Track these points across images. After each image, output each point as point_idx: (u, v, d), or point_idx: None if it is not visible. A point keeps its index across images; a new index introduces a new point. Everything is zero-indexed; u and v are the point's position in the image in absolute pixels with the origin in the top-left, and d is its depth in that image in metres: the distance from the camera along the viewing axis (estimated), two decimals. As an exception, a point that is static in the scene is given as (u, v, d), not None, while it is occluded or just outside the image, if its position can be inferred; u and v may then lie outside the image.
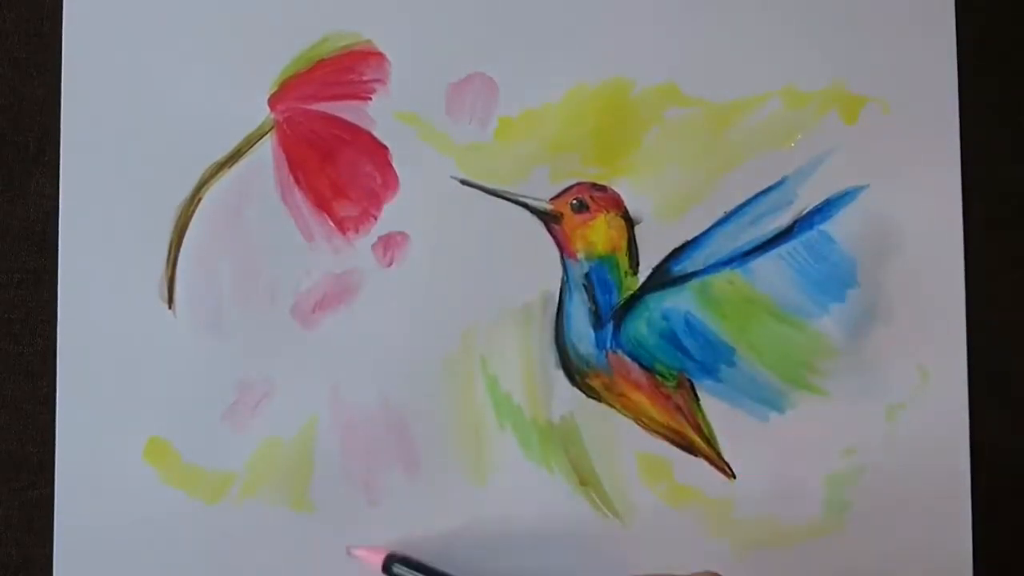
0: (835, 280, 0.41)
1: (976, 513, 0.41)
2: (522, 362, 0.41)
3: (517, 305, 0.41)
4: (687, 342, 0.41)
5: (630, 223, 0.41)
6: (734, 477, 0.41)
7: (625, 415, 0.41)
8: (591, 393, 0.41)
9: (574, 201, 0.41)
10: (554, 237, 0.41)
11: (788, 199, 0.41)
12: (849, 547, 0.41)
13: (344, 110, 0.41)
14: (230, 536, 0.41)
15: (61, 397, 0.41)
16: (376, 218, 0.41)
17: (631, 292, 0.41)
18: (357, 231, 0.41)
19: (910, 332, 0.41)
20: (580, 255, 0.41)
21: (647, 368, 0.41)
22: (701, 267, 0.41)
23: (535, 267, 0.41)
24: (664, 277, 0.41)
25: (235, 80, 0.41)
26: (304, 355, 0.41)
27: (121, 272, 0.41)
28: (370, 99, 0.41)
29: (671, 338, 0.41)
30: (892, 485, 0.41)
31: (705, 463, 0.41)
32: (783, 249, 0.41)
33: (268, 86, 0.41)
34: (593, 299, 0.41)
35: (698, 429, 0.41)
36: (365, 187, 0.41)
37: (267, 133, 0.41)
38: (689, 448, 0.41)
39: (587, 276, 0.41)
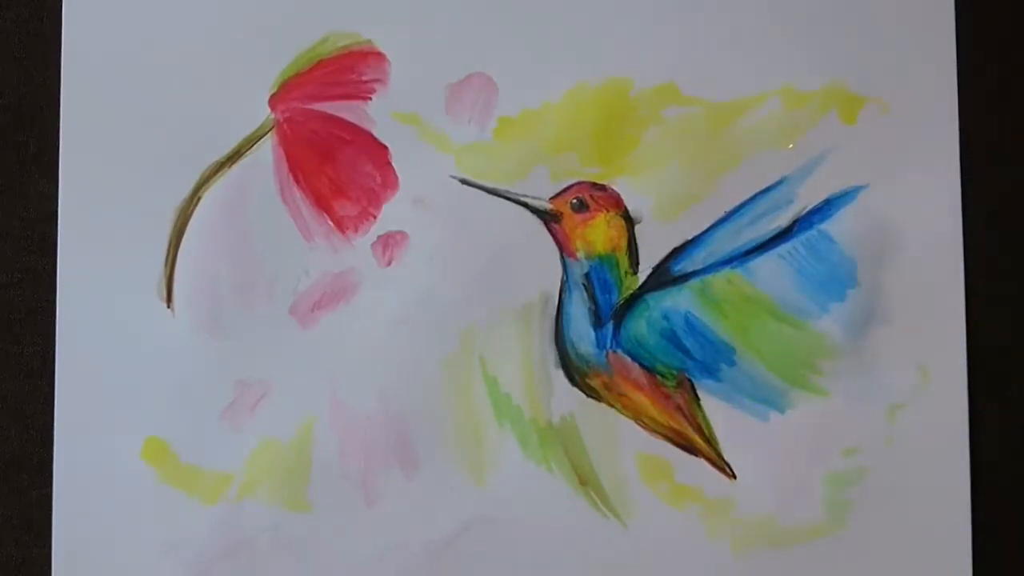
0: (835, 280, 0.41)
1: (976, 513, 0.41)
2: (522, 362, 0.41)
3: (517, 305, 0.41)
4: (687, 342, 0.41)
5: (630, 222, 0.41)
6: (734, 477, 0.41)
7: (625, 415, 0.41)
8: (591, 393, 0.41)
9: (574, 200, 0.41)
10: (554, 236, 0.41)
11: (788, 199, 0.41)
12: (849, 547, 0.41)
13: (344, 110, 0.41)
14: (228, 536, 0.40)
15: (60, 397, 0.41)
16: (375, 217, 0.41)
17: (631, 291, 0.41)
18: (356, 230, 0.41)
19: (910, 332, 0.41)
20: (580, 254, 0.41)
21: (647, 368, 0.41)
22: (701, 267, 0.41)
23: (534, 267, 0.41)
24: (664, 277, 0.41)
25: (235, 80, 0.41)
26: (303, 355, 0.41)
27: (120, 272, 0.41)
28: (370, 99, 0.41)
29: (671, 338, 0.41)
30: (892, 485, 0.41)
31: (705, 463, 0.41)
32: (783, 249, 0.41)
33: (268, 86, 0.41)
34: (593, 299, 0.41)
35: (698, 429, 0.41)
36: (365, 187, 0.41)
37: (267, 133, 0.41)
38: (689, 448, 0.41)
39: (587, 275, 0.41)
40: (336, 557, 0.41)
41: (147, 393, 0.41)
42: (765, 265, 0.41)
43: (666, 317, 0.41)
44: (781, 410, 0.41)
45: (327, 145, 0.41)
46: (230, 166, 0.41)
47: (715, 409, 0.41)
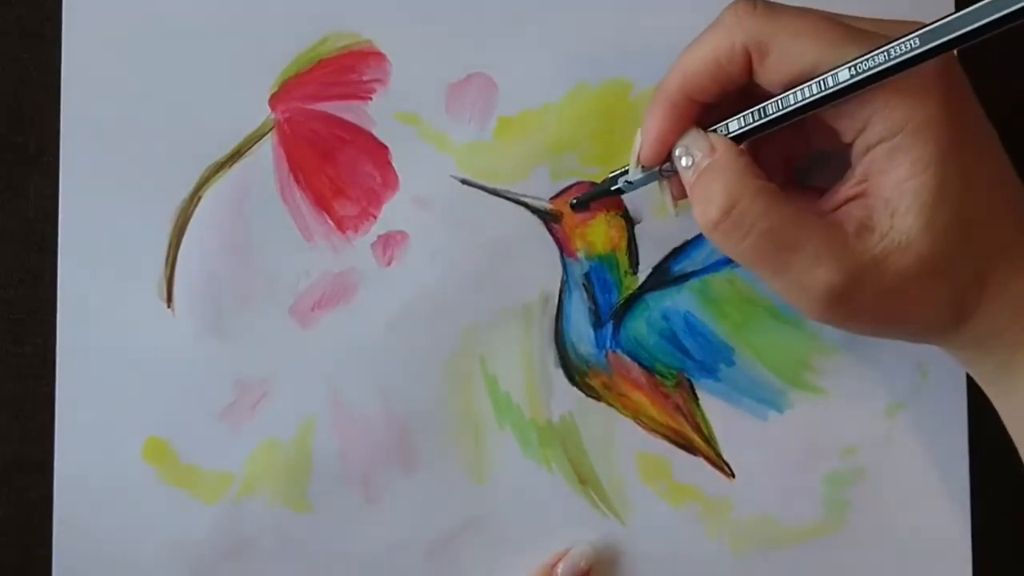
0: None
1: (976, 513, 0.41)
2: (522, 362, 0.41)
3: (517, 305, 0.41)
4: (687, 341, 0.41)
5: (630, 222, 0.41)
6: (733, 476, 0.41)
7: (624, 414, 0.41)
8: (590, 392, 0.41)
9: (574, 200, 0.41)
10: (554, 236, 0.41)
11: (787, 199, 0.41)
12: (848, 547, 0.41)
13: (344, 110, 0.41)
14: (229, 536, 0.40)
15: (60, 397, 0.41)
16: (376, 217, 0.41)
17: (631, 291, 0.41)
18: (356, 230, 0.41)
19: (909, 332, 0.41)
20: (580, 254, 0.41)
21: (646, 367, 0.41)
22: (701, 267, 0.41)
23: (534, 267, 0.41)
24: (664, 277, 0.41)
25: (235, 80, 0.41)
26: (303, 355, 0.41)
27: (120, 272, 0.41)
28: (370, 99, 0.41)
29: (671, 337, 0.41)
30: (892, 485, 0.41)
31: (704, 462, 0.41)
32: (782, 249, 0.41)
33: (268, 86, 0.41)
34: (593, 298, 0.41)
35: (697, 428, 0.41)
36: (365, 186, 0.41)
37: (267, 133, 0.41)
38: (688, 447, 0.41)
39: (587, 275, 0.41)
40: (336, 557, 0.41)
41: (147, 393, 0.41)
42: (765, 265, 0.41)
43: (666, 317, 0.41)
44: (780, 410, 0.41)
45: (327, 145, 0.41)
46: (230, 166, 0.41)
47: (714, 409, 0.41)
